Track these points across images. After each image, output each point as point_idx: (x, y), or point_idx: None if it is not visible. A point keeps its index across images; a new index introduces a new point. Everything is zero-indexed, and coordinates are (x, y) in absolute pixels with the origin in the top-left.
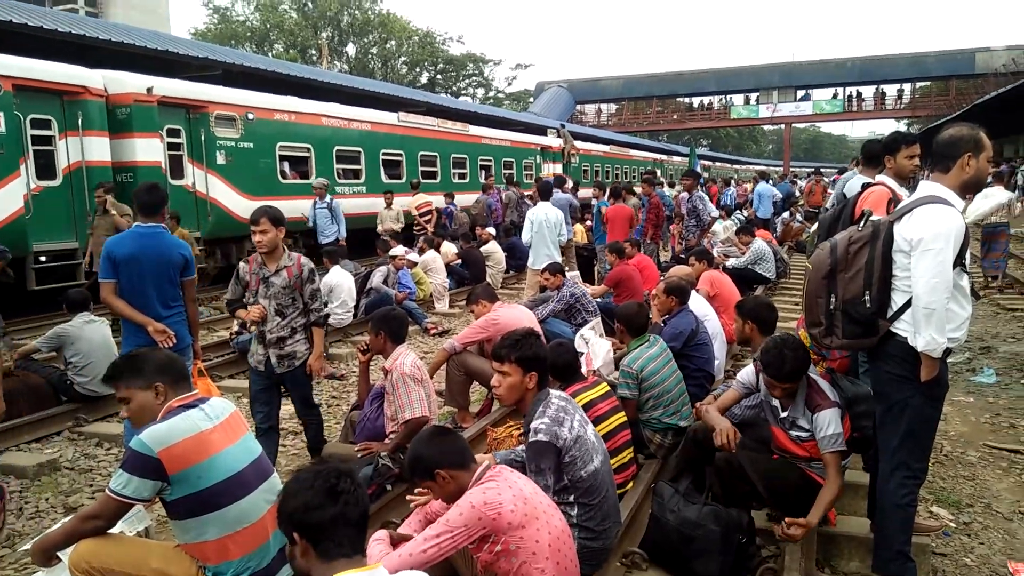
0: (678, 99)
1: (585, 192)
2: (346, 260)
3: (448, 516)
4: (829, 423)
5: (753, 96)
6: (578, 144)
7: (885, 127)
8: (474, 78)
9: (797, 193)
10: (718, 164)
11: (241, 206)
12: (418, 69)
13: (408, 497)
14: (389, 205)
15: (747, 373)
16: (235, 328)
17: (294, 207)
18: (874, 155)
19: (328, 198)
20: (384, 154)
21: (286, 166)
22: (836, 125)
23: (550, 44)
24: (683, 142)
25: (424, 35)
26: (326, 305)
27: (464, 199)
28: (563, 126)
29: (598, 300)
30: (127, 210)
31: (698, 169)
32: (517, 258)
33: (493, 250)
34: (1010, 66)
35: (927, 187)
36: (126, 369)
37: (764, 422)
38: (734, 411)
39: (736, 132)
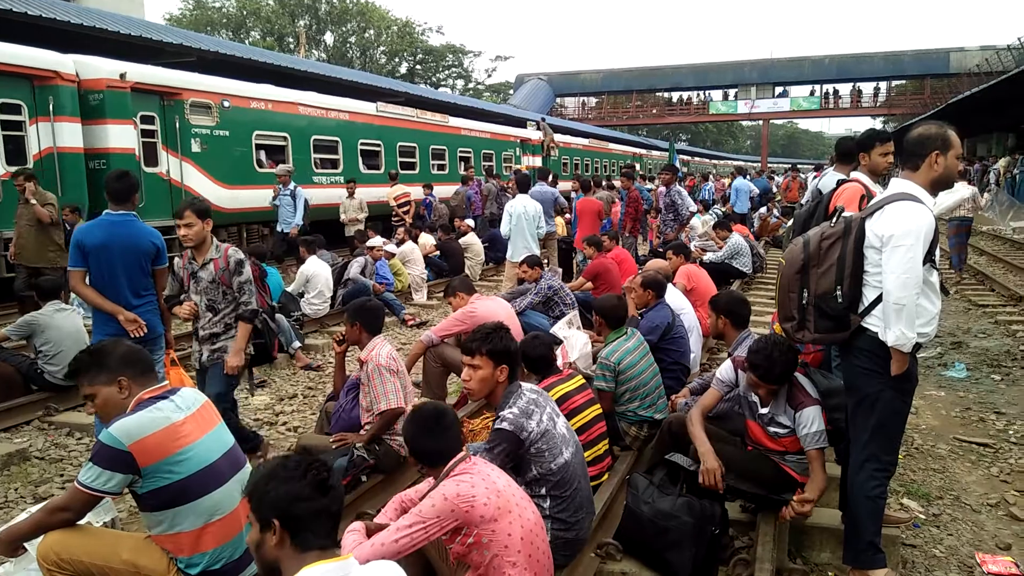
0: (657, 93)
1: (564, 185)
2: (323, 250)
3: (421, 507)
4: (812, 420)
5: (732, 92)
6: (558, 137)
7: (861, 124)
8: (454, 69)
9: (774, 189)
10: (697, 159)
11: (217, 195)
12: (397, 59)
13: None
14: (352, 194)
15: (726, 370)
16: None
17: (271, 196)
18: (848, 152)
19: (292, 185)
20: (362, 144)
21: (263, 155)
22: (813, 122)
23: (530, 36)
24: (663, 137)
25: (403, 25)
26: (302, 296)
27: (443, 190)
28: (543, 119)
29: (576, 293)
30: (50, 198)
31: (676, 163)
32: (497, 250)
33: (472, 242)
34: (983, 66)
35: (898, 184)
36: (88, 364)
37: (739, 415)
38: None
39: (715, 127)
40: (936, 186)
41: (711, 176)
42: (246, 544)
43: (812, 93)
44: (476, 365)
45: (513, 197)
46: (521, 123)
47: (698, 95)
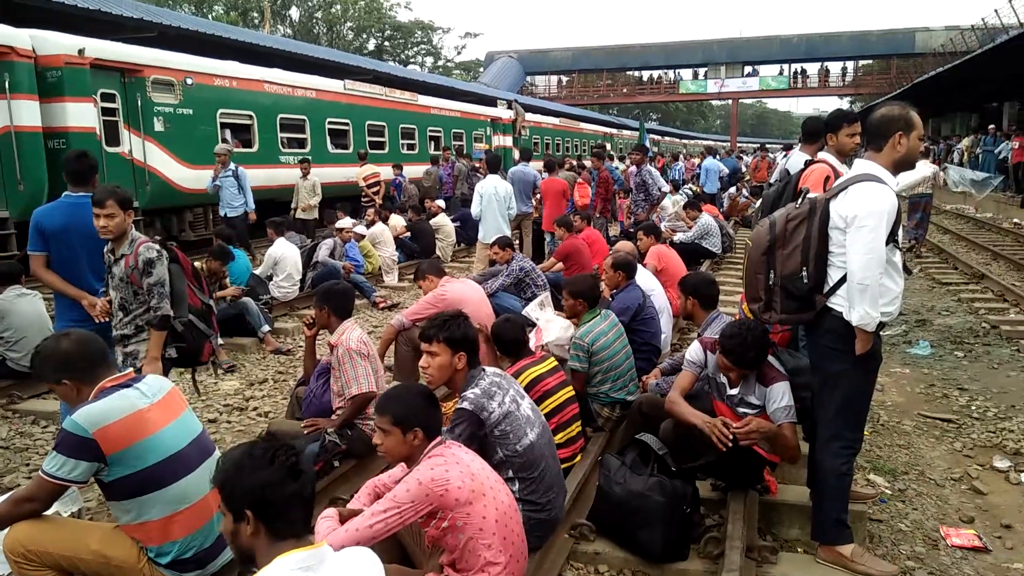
0: (628, 72)
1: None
2: (292, 232)
3: (395, 492)
4: (782, 395)
5: (701, 71)
6: (528, 116)
7: (829, 104)
8: (423, 46)
9: (743, 169)
10: (667, 139)
11: (181, 175)
12: (365, 35)
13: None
14: (306, 175)
15: (695, 351)
16: None
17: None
18: (814, 132)
19: (233, 166)
20: (330, 123)
21: (228, 134)
22: (782, 101)
23: (500, 13)
24: (633, 116)
25: (370, 0)
26: (270, 279)
27: (413, 170)
28: (515, 101)
29: (548, 274)
30: None
31: (647, 143)
32: (469, 230)
33: (443, 223)
34: (948, 46)
35: (861, 165)
36: (35, 367)
37: (708, 395)
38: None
39: (685, 107)
40: (899, 166)
41: (681, 156)
42: (218, 532)
43: (781, 72)
44: (434, 352)
45: (484, 177)
46: (492, 102)
47: (668, 74)
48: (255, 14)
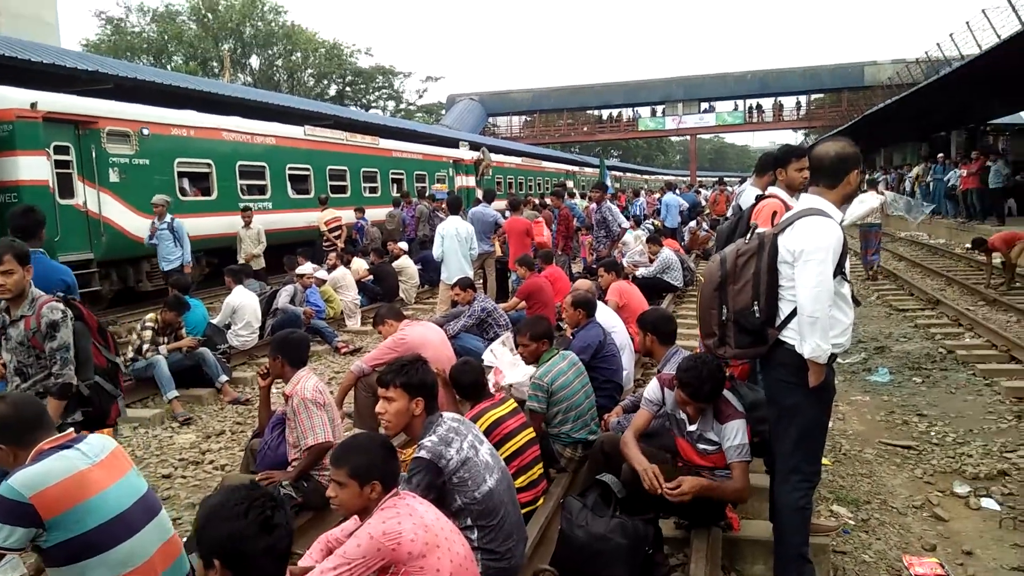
0: (588, 111)
1: (499, 204)
2: (251, 279)
3: (346, 547)
4: (736, 433)
5: (659, 108)
6: (491, 156)
7: (784, 137)
8: (384, 90)
9: (703, 202)
10: (628, 175)
11: (137, 225)
12: (326, 81)
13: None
14: (248, 224)
15: (653, 390)
16: (130, 355)
17: (195, 225)
18: (763, 166)
19: (169, 217)
20: (290, 169)
21: (186, 182)
22: (739, 136)
23: (460, 56)
24: (594, 153)
25: (331, 47)
26: (228, 328)
27: (375, 213)
28: (484, 149)
29: (511, 313)
30: None
31: (608, 180)
32: (431, 272)
33: (405, 265)
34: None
35: (807, 200)
36: None
37: (669, 432)
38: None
39: (645, 143)
40: (847, 200)
41: (642, 191)
42: None
43: (736, 108)
44: (391, 397)
45: (445, 219)
46: (454, 143)
47: (627, 112)
48: (215, 63)
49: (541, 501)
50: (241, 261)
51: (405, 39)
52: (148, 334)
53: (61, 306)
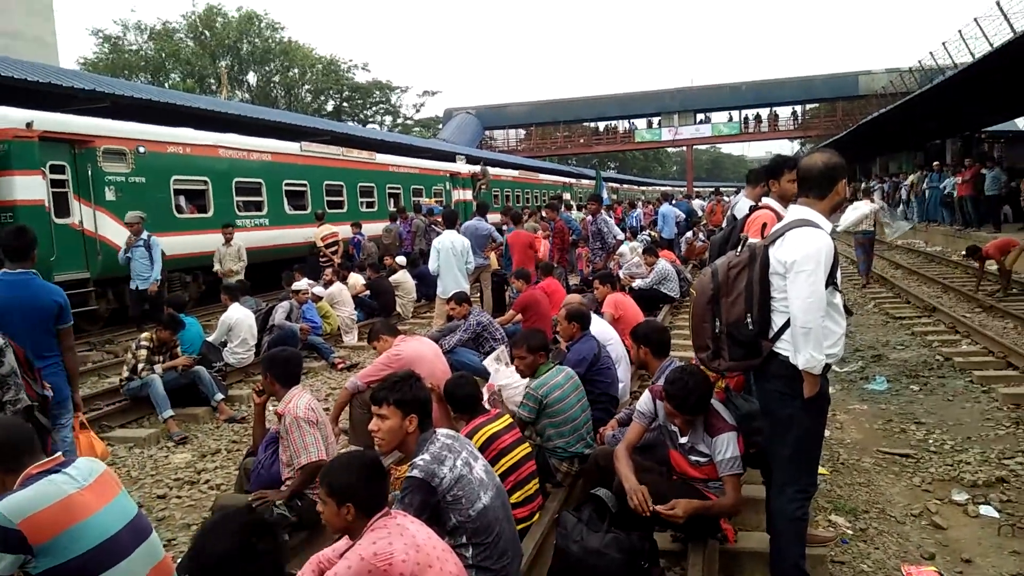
0: (584, 124)
1: (494, 217)
2: (247, 296)
3: (336, 570)
4: (727, 446)
5: (655, 120)
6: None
7: (780, 147)
8: (381, 105)
9: (699, 212)
10: (625, 186)
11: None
12: (323, 97)
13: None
14: (228, 241)
15: (645, 402)
16: (125, 374)
17: (193, 242)
18: (755, 177)
19: (145, 235)
20: (287, 185)
21: (182, 200)
22: (735, 146)
23: (457, 71)
24: (591, 165)
25: (328, 63)
26: (224, 345)
27: (372, 228)
28: (484, 166)
29: (507, 326)
30: None
31: (604, 192)
32: (428, 286)
33: (403, 280)
34: (889, 87)
35: (797, 211)
36: None
37: (663, 444)
38: None
39: (642, 155)
40: (835, 210)
41: (639, 203)
42: None
43: (731, 119)
44: (384, 415)
45: (440, 233)
46: (450, 157)
47: (623, 124)
48: (212, 80)
49: (537, 516)
50: (219, 274)
51: (402, 54)
52: (143, 353)
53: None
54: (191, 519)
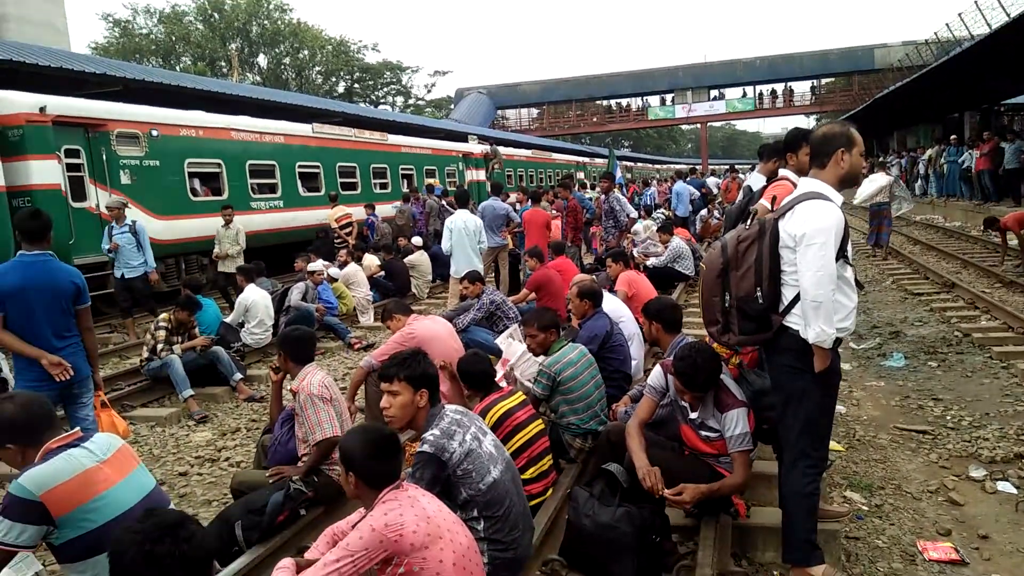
0: (597, 102)
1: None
2: (263, 278)
3: (348, 540)
4: (737, 423)
5: (668, 97)
6: (501, 149)
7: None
8: (392, 86)
9: (715, 190)
10: (640, 164)
11: (151, 227)
12: (334, 79)
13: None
14: (228, 223)
15: (656, 377)
16: (145, 355)
17: (207, 225)
18: (767, 151)
19: (130, 220)
20: (300, 167)
21: (196, 183)
22: (750, 122)
23: (468, 50)
24: (604, 144)
25: (338, 44)
26: (242, 326)
27: (385, 209)
28: (494, 147)
29: (520, 305)
30: None
31: (618, 171)
32: (441, 266)
33: (419, 260)
34: (905, 60)
35: (807, 184)
36: None
37: (675, 419)
38: None
39: (656, 132)
40: (843, 183)
41: (653, 181)
42: None
43: (745, 94)
44: (395, 391)
45: (453, 213)
46: (463, 137)
47: (636, 101)
48: (222, 63)
49: (551, 492)
50: (217, 261)
51: (412, 34)
52: (162, 334)
53: None
54: (212, 495)
